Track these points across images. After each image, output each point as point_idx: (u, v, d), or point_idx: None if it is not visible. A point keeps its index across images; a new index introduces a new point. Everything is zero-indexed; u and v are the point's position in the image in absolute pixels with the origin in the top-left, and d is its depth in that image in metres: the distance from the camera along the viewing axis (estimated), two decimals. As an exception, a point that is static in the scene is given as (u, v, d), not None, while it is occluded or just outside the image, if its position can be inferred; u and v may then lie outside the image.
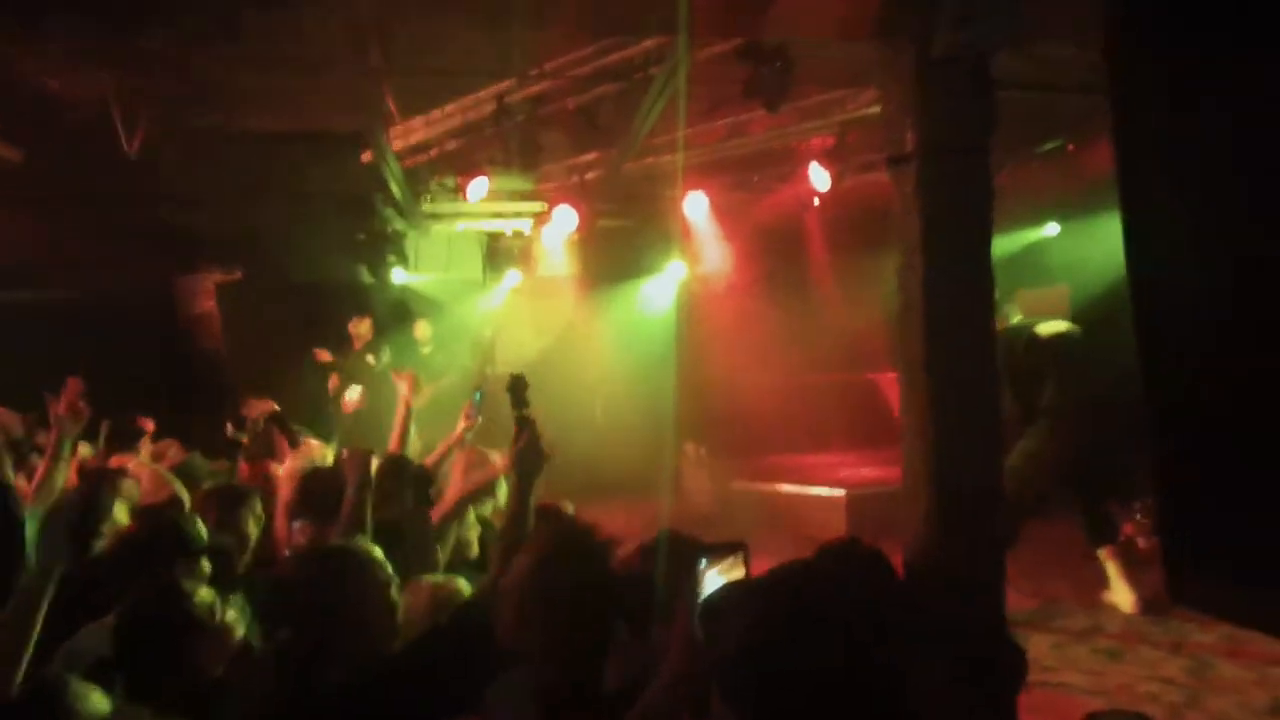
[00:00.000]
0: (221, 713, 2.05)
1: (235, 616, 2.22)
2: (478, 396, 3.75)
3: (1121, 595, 4.79)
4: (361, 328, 7.62)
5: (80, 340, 6.47)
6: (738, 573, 1.54)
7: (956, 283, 2.64)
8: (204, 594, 2.19)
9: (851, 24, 2.97)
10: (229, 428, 4.37)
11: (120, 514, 2.80)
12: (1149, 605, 4.67)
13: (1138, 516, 5.58)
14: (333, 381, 7.24)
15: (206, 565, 2.49)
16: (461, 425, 3.61)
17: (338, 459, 3.21)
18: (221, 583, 2.37)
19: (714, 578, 1.51)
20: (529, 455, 2.25)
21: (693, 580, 1.49)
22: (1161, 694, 3.79)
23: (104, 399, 5.30)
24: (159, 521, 2.64)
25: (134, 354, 7.09)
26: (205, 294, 8.20)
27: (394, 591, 2.12)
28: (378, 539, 2.33)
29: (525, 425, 2.27)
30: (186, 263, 8.03)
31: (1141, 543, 5.43)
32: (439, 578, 2.52)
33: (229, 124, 6.67)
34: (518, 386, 2.33)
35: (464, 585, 2.42)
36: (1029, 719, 2.29)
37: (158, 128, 6.23)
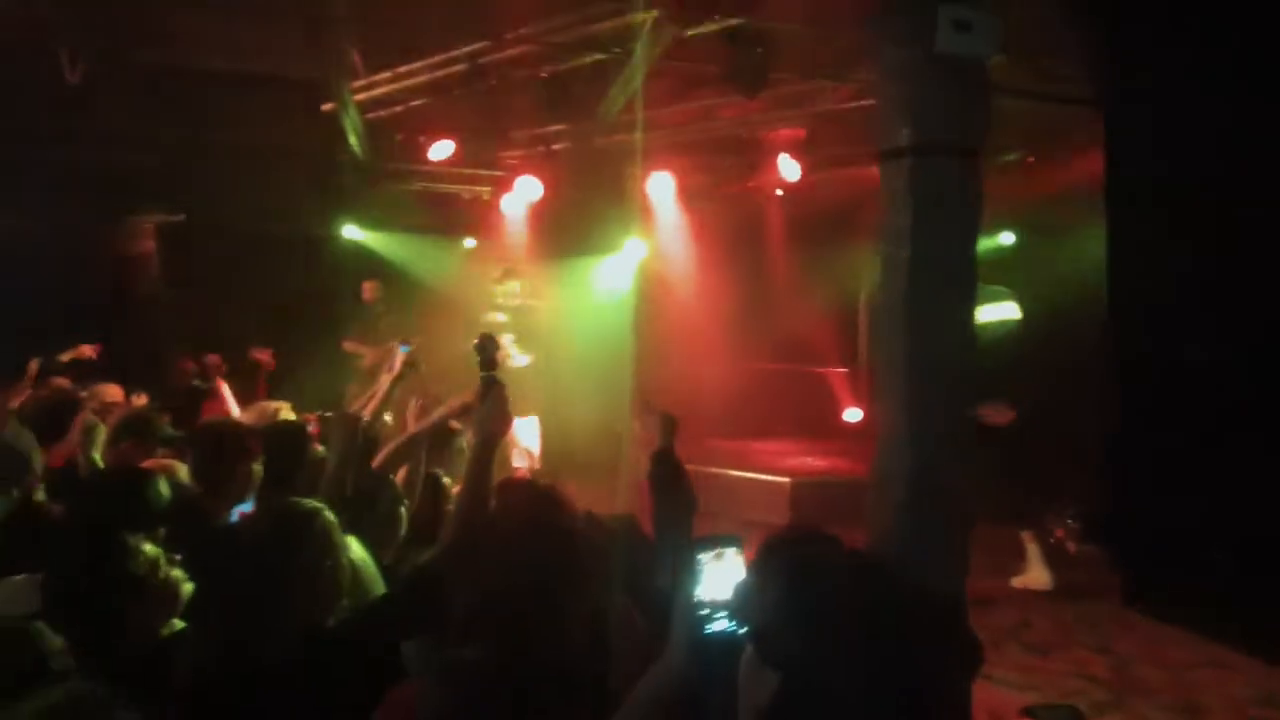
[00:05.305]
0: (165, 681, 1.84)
1: (180, 574, 2.04)
2: (404, 349, 3.47)
3: (1038, 574, 5.16)
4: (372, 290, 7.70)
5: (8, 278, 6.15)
6: (735, 564, 1.54)
7: (942, 279, 2.66)
8: (147, 549, 2.01)
9: (852, 14, 2.98)
10: (189, 372, 4.12)
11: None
12: (1067, 593, 5.05)
13: (1069, 522, 5.79)
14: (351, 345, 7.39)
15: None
16: (385, 377, 3.23)
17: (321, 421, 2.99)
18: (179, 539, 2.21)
19: (711, 570, 1.51)
20: (494, 418, 2.09)
21: (690, 578, 1.49)
22: (1088, 691, 3.95)
23: (28, 337, 5.06)
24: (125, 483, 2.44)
25: (61, 293, 6.77)
26: (144, 235, 7.85)
27: (345, 562, 2.00)
28: (348, 509, 2.22)
29: (492, 386, 2.11)
30: (124, 203, 7.65)
31: (1071, 547, 5.65)
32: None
33: (174, 62, 6.34)
34: (486, 346, 2.18)
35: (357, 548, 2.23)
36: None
37: (99, 61, 5.88)
